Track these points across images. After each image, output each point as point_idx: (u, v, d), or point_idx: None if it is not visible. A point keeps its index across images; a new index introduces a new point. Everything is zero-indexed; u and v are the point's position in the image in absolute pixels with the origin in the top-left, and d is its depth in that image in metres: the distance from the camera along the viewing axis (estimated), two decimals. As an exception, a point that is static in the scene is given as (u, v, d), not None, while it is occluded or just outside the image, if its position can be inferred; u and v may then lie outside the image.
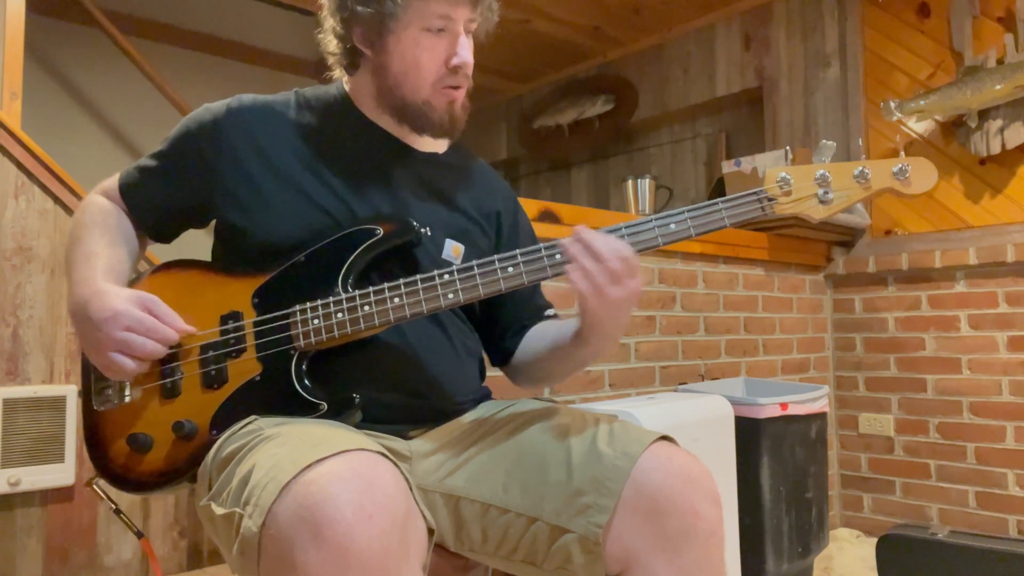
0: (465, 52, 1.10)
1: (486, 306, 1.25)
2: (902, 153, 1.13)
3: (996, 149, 2.68)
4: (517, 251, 1.03)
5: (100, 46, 3.80)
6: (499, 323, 1.26)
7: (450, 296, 1.03)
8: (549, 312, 1.28)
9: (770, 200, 1.05)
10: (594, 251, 0.98)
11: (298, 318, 1.05)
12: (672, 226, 1.04)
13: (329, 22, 1.14)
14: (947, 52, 2.87)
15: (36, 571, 1.99)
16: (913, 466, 2.87)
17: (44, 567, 2.00)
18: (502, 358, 1.28)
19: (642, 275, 1.02)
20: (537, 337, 1.23)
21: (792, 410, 2.18)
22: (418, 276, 1.03)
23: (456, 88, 1.13)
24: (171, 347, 1.07)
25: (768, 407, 2.12)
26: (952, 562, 2.26)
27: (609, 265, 0.97)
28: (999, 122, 2.67)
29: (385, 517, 0.78)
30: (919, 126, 2.91)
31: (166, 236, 1.23)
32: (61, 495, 2.04)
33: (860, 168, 1.05)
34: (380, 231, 1.08)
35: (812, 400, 2.26)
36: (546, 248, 1.03)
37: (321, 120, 1.18)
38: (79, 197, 2.10)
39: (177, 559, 2.21)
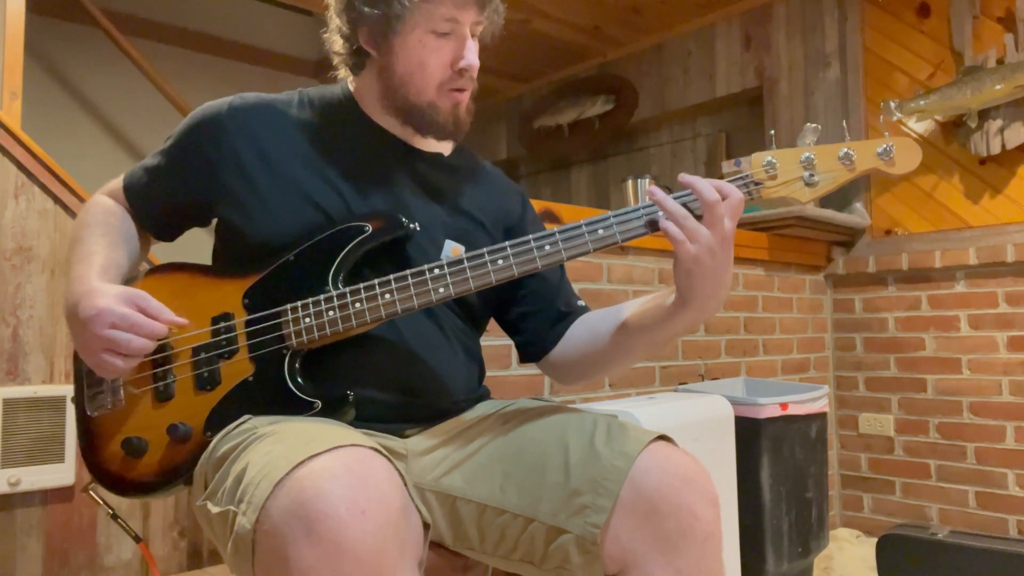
0: (471, 55, 1.10)
1: (517, 303, 1.24)
2: (887, 134, 1.13)
3: (996, 149, 2.68)
4: (507, 243, 1.03)
5: (100, 46, 3.80)
6: (536, 318, 1.24)
7: (440, 290, 1.02)
8: (581, 303, 1.26)
9: (756, 184, 1.05)
10: (697, 193, 0.97)
11: (289, 317, 1.04)
12: (660, 212, 1.03)
13: (335, 22, 1.14)
14: (947, 52, 2.87)
15: (36, 571, 1.99)
16: (913, 466, 2.87)
17: (44, 567, 2.00)
18: (540, 353, 1.24)
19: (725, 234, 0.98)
20: (595, 326, 1.19)
21: (792, 410, 2.17)
22: (408, 271, 1.03)
23: (461, 91, 1.13)
24: (164, 349, 1.07)
25: (768, 407, 2.12)
26: (952, 562, 2.26)
27: (712, 210, 0.96)
28: (999, 122, 2.67)
29: (379, 512, 0.78)
30: (919, 126, 2.91)
31: (169, 235, 1.23)
32: (61, 495, 2.04)
33: (845, 150, 1.06)
34: (369, 227, 1.08)
35: (812, 400, 2.25)
36: (535, 239, 1.03)
37: (324, 120, 1.17)
38: (79, 197, 2.10)
39: (177, 559, 2.21)
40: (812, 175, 1.06)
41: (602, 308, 1.21)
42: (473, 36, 1.11)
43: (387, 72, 1.12)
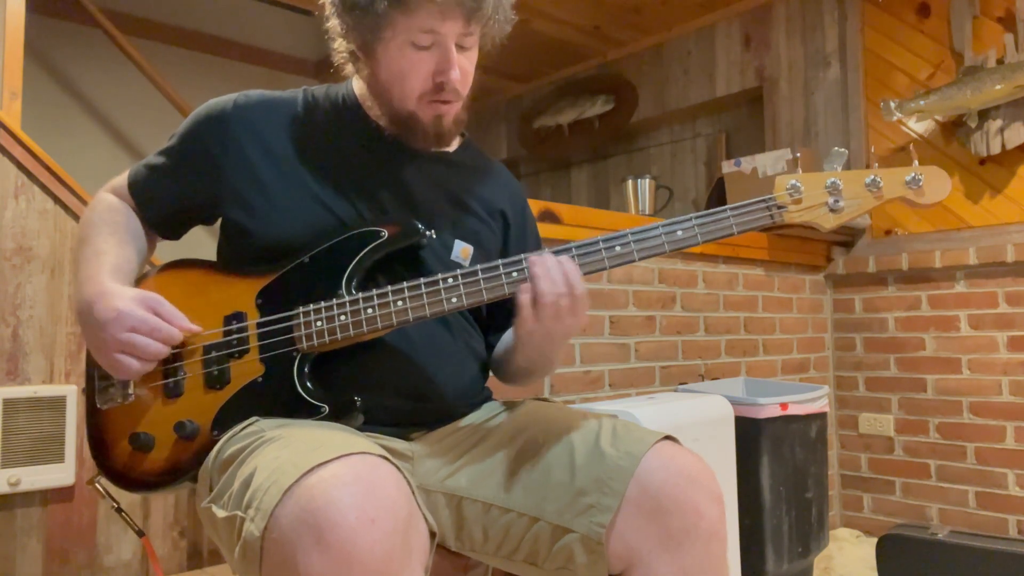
0: (453, 70, 1.06)
1: (488, 305, 1.24)
2: (915, 162, 1.09)
3: (996, 149, 2.68)
4: (522, 256, 1.03)
5: (100, 46, 3.80)
6: (492, 320, 1.26)
7: (453, 300, 1.02)
8: None
9: (780, 208, 1.04)
10: (558, 277, 0.99)
11: (301, 320, 1.04)
12: (679, 233, 1.03)
13: (331, 22, 1.14)
14: (947, 52, 2.87)
15: (36, 571, 1.99)
16: (913, 466, 2.87)
17: (44, 567, 2.00)
18: (487, 354, 1.27)
19: (587, 314, 1.04)
20: (506, 336, 1.23)
21: (792, 410, 2.18)
22: (422, 280, 1.03)
23: (445, 103, 1.10)
24: (176, 347, 1.07)
25: (768, 407, 2.12)
26: (952, 562, 2.26)
27: (563, 300, 0.99)
28: (999, 122, 2.67)
29: (387, 521, 0.78)
30: (919, 126, 2.91)
31: (174, 233, 1.23)
32: (61, 495, 2.04)
33: (872, 176, 1.03)
34: (385, 233, 1.08)
35: (812, 400, 2.26)
36: (552, 253, 1.03)
37: (329, 119, 1.17)
38: (79, 197, 2.09)
39: (177, 559, 2.21)
40: (837, 201, 1.03)
41: None
42: (464, 48, 1.08)
43: (372, 78, 1.12)
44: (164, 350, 1.03)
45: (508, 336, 1.21)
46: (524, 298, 0.99)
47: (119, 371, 1.04)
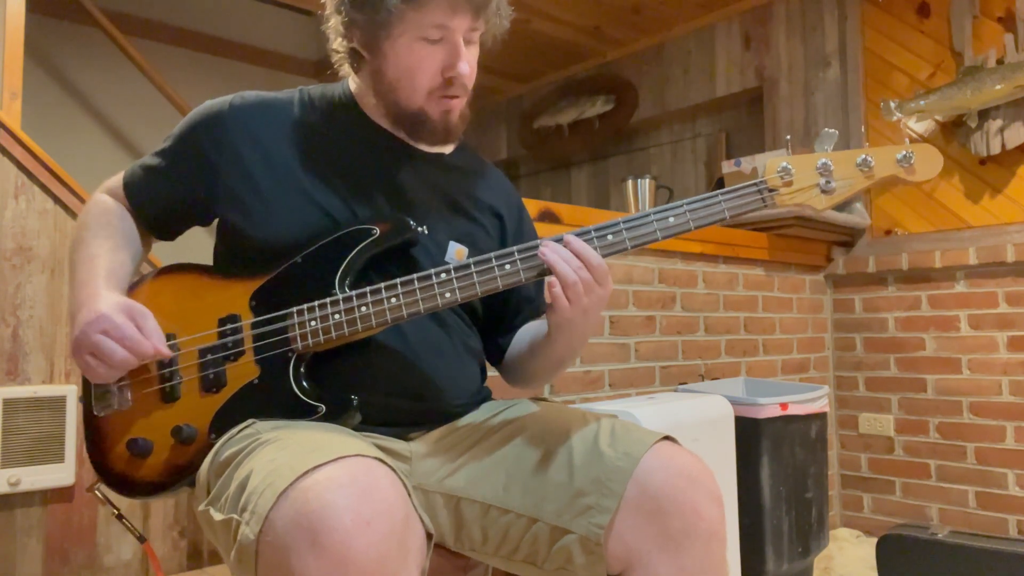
0: (462, 64, 1.07)
1: (488, 305, 1.24)
2: (907, 140, 1.09)
3: (996, 149, 2.68)
4: (514, 248, 1.03)
5: (100, 46, 3.80)
6: (498, 322, 1.25)
7: (447, 295, 1.02)
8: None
9: (771, 191, 1.03)
10: (571, 256, 0.99)
11: (295, 320, 1.04)
12: (671, 219, 1.02)
13: (332, 20, 1.14)
14: (947, 52, 2.87)
15: (36, 571, 1.99)
16: (913, 466, 2.87)
17: (44, 567, 2.00)
18: (497, 357, 1.27)
19: (611, 282, 1.04)
20: (522, 335, 1.23)
21: (792, 410, 2.18)
22: (415, 275, 1.03)
23: (453, 98, 1.11)
24: (171, 350, 1.07)
25: (768, 407, 2.12)
26: (952, 562, 2.26)
27: (582, 273, 0.99)
28: (999, 122, 2.67)
29: (383, 523, 0.78)
30: (919, 126, 2.91)
31: (169, 234, 1.22)
32: (61, 495, 2.04)
33: (863, 156, 1.02)
34: (377, 231, 1.07)
35: (812, 400, 2.25)
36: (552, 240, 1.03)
37: (324, 120, 1.17)
38: (79, 197, 2.09)
39: (177, 559, 2.21)
40: (829, 182, 1.02)
41: (531, 321, 1.27)
42: (469, 43, 1.09)
43: (378, 75, 1.11)
44: (130, 360, 1.01)
45: (527, 333, 1.21)
46: (555, 291, 0.99)
47: (87, 372, 1.04)
